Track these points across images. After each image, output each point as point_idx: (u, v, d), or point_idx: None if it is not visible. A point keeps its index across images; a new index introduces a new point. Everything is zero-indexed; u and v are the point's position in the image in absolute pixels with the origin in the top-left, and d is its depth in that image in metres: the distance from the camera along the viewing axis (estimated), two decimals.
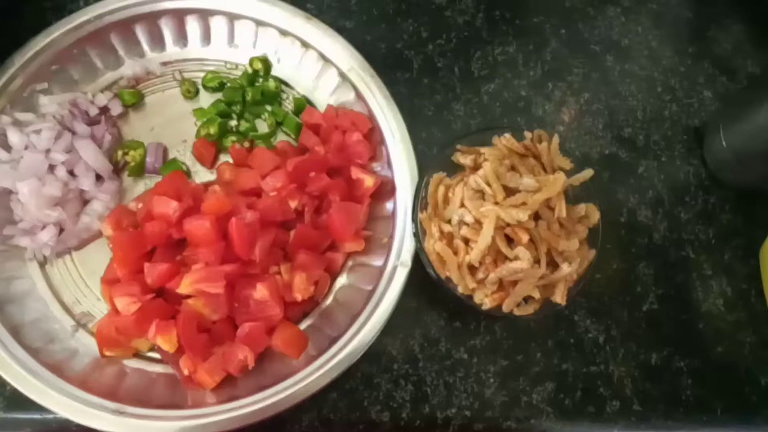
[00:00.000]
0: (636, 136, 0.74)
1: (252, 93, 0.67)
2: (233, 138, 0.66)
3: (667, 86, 0.76)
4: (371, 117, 0.67)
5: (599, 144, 0.73)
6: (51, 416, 0.57)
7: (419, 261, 0.61)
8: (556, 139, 0.61)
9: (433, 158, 0.68)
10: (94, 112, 0.65)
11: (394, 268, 0.61)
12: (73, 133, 0.63)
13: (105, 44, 0.66)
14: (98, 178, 0.63)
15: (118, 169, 0.65)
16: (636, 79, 0.76)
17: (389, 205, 0.65)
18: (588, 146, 0.73)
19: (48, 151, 0.60)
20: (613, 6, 0.79)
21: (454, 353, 0.64)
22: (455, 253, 0.57)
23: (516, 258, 0.55)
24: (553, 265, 0.58)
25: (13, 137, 0.60)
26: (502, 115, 0.72)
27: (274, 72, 0.70)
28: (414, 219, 0.60)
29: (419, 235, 0.59)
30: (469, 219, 0.56)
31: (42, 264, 0.62)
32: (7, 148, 0.61)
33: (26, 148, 0.61)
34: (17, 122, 0.62)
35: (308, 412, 0.61)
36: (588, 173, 0.60)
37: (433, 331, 0.64)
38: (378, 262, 0.63)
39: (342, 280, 0.64)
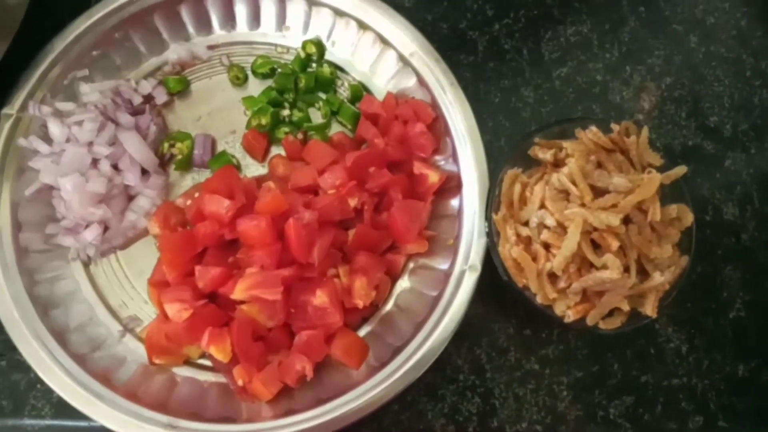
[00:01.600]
0: (722, 126, 0.67)
1: (305, 80, 0.62)
2: (286, 129, 0.61)
3: (757, 70, 0.69)
4: (434, 105, 0.61)
5: (682, 134, 0.66)
6: (98, 425, 0.54)
7: (486, 263, 0.56)
8: (645, 132, 0.54)
9: (502, 150, 0.63)
10: (137, 100, 0.60)
11: (462, 273, 0.56)
12: (117, 123, 0.58)
13: (148, 27, 0.62)
14: (143, 172, 0.59)
15: (164, 163, 0.60)
16: (722, 62, 0.69)
17: (454, 203, 0.60)
18: (670, 136, 0.66)
19: (91, 144, 0.56)
20: None
21: (524, 363, 0.59)
22: (534, 259, 0.52)
23: (604, 267, 0.50)
24: (642, 274, 0.52)
25: (54, 129, 0.56)
26: (576, 101, 0.66)
27: (327, 56, 0.64)
28: (487, 218, 0.54)
29: (493, 236, 0.54)
30: (550, 222, 0.51)
31: (86, 264, 0.58)
32: (48, 140, 0.57)
33: (68, 140, 0.57)
34: (58, 112, 0.58)
35: (368, 425, 0.57)
36: (680, 170, 0.54)
37: (501, 339, 0.60)
38: (443, 265, 0.58)
39: (403, 284, 0.60)
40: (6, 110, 0.57)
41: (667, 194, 0.55)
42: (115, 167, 0.57)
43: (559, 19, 0.68)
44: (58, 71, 0.59)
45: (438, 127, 0.61)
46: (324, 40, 0.64)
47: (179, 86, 0.62)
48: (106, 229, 0.57)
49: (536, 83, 0.66)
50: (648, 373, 0.60)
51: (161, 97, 0.61)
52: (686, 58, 0.69)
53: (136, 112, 0.60)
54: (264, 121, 0.60)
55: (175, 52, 0.62)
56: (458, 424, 0.57)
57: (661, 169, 0.54)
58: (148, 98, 0.61)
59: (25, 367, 0.54)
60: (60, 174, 0.55)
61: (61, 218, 0.57)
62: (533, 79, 0.66)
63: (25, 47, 0.59)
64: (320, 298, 0.53)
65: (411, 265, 0.60)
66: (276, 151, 0.62)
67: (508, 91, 0.66)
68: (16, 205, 0.56)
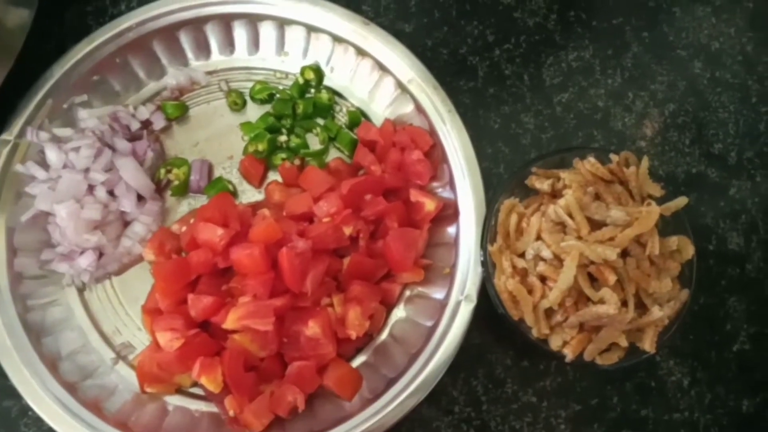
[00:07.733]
0: (727, 153, 0.66)
1: (303, 106, 0.62)
2: (283, 155, 0.61)
3: (763, 96, 0.68)
4: (432, 132, 0.60)
5: (685, 162, 0.65)
6: None
7: (484, 293, 0.55)
8: (645, 162, 0.53)
9: (501, 177, 0.62)
10: (135, 126, 0.60)
11: (458, 303, 0.56)
12: (114, 149, 0.58)
13: (148, 52, 0.62)
14: (140, 198, 0.58)
15: (160, 188, 0.60)
16: (728, 88, 0.68)
17: (451, 231, 0.59)
18: (673, 164, 0.65)
19: (87, 170, 0.56)
20: (703, 5, 0.70)
21: (521, 396, 0.58)
22: (530, 292, 0.51)
23: (600, 301, 0.49)
24: (641, 308, 0.51)
25: (52, 155, 0.57)
26: (577, 128, 0.65)
27: (326, 82, 0.64)
28: (483, 247, 0.54)
29: (489, 267, 0.53)
30: (546, 254, 0.50)
31: (80, 290, 0.58)
32: (45, 166, 0.57)
33: (65, 167, 0.57)
34: (55, 138, 0.58)
35: None
36: (681, 201, 0.53)
37: (498, 370, 0.59)
38: (438, 294, 0.57)
39: (398, 313, 0.59)
40: (4, 136, 0.57)
41: (669, 223, 0.54)
42: (111, 193, 0.57)
43: (560, 45, 0.68)
44: (57, 97, 0.59)
45: (435, 155, 0.60)
46: (323, 66, 0.64)
47: (177, 112, 0.62)
48: (101, 255, 0.57)
49: (537, 109, 0.65)
50: (648, 407, 0.59)
51: (159, 122, 0.61)
52: (690, 84, 0.68)
53: (133, 137, 0.60)
54: (261, 147, 0.60)
55: (173, 77, 0.62)
56: None
57: (662, 200, 0.53)
58: (146, 124, 0.61)
59: (16, 394, 0.53)
60: (55, 200, 0.55)
61: (56, 244, 0.57)
62: (534, 105, 0.65)
63: (24, 73, 0.59)
64: (312, 329, 0.53)
65: (407, 293, 0.59)
66: (273, 176, 0.62)
67: (508, 117, 0.65)
68: (12, 230, 0.56)
